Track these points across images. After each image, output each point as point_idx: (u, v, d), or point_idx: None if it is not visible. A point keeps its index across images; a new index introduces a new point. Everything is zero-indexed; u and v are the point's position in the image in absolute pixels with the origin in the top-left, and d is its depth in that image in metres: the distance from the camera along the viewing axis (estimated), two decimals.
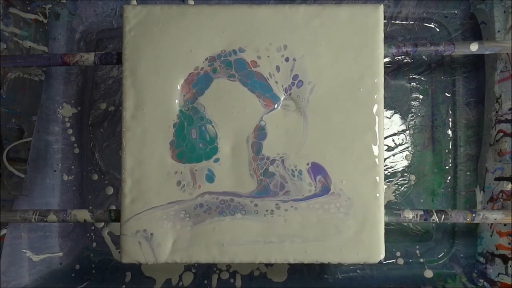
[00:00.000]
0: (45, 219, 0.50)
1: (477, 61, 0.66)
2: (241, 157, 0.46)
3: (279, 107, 0.46)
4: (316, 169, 0.46)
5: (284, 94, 0.46)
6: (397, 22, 0.68)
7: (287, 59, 0.46)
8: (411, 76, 0.69)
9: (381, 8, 0.46)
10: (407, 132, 0.68)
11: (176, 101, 0.46)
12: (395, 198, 0.68)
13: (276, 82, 0.46)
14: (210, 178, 0.46)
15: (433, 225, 0.67)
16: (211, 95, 0.46)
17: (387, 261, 0.66)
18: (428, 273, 0.65)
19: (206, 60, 0.46)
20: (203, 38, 0.46)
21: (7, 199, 0.59)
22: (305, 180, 0.46)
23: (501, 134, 0.59)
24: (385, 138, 0.68)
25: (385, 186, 0.68)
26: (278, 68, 0.46)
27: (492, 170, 0.61)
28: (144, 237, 0.46)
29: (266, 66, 0.46)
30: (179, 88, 0.46)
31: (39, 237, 0.64)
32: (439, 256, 0.67)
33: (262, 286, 0.65)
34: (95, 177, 0.70)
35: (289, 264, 0.66)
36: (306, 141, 0.46)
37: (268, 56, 0.46)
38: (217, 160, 0.46)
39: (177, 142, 0.46)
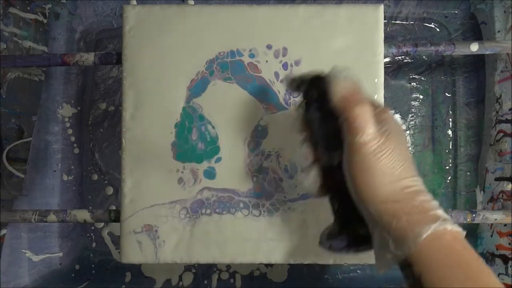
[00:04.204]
0: (45, 219, 0.50)
1: (477, 61, 0.66)
2: (239, 156, 0.46)
3: (280, 112, 0.46)
4: None
5: (287, 105, 0.46)
6: (397, 22, 0.68)
7: (285, 65, 0.46)
8: (411, 76, 0.69)
9: (381, 8, 0.46)
10: (407, 132, 0.68)
11: (178, 101, 0.46)
12: None
13: (278, 91, 0.46)
14: (211, 175, 0.46)
15: None
16: (209, 97, 0.46)
17: None
18: None
19: (206, 63, 0.46)
20: (203, 39, 0.46)
21: (7, 199, 0.59)
22: (298, 176, 0.46)
23: (501, 134, 0.59)
24: None
25: None
26: (277, 75, 0.46)
27: (492, 170, 0.61)
28: (147, 234, 0.46)
29: (266, 71, 0.46)
30: (185, 89, 0.46)
31: (39, 237, 0.63)
32: None
33: (262, 286, 0.65)
34: (95, 177, 0.70)
35: (289, 264, 0.66)
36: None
37: (267, 61, 0.46)
38: (218, 160, 0.46)
39: (178, 142, 0.46)
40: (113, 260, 0.68)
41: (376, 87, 0.46)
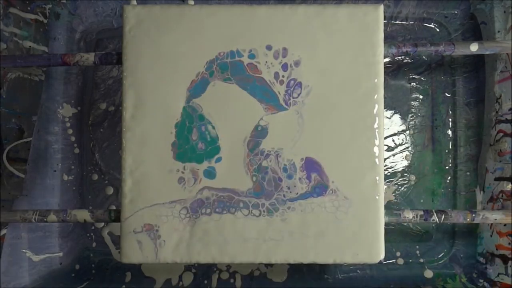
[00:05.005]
0: (45, 219, 0.50)
1: (477, 61, 0.66)
2: (239, 155, 0.46)
3: (280, 112, 0.46)
4: (311, 167, 0.46)
5: (286, 105, 0.46)
6: (397, 22, 0.68)
7: (285, 66, 0.46)
8: (411, 76, 0.69)
9: (381, 8, 0.46)
10: (407, 132, 0.68)
11: (178, 100, 0.46)
12: (395, 198, 0.68)
13: (279, 92, 0.46)
14: (211, 175, 0.46)
15: (433, 225, 0.67)
16: (209, 97, 0.46)
17: (387, 261, 0.66)
18: (428, 273, 0.65)
19: (206, 63, 0.46)
20: (203, 39, 0.46)
21: (7, 199, 0.59)
22: (297, 176, 0.46)
23: (501, 134, 0.59)
24: (385, 138, 0.68)
25: (385, 186, 0.68)
26: (277, 75, 0.46)
27: (492, 170, 0.61)
28: (147, 234, 0.46)
29: (265, 72, 0.46)
30: (185, 90, 0.46)
31: (39, 237, 0.64)
32: (439, 256, 0.67)
33: (262, 286, 0.65)
34: (95, 177, 0.70)
35: (289, 264, 0.66)
36: (303, 139, 0.46)
37: (266, 62, 0.46)
38: (218, 160, 0.46)
39: (178, 142, 0.46)
40: (113, 260, 0.68)
41: (376, 87, 0.46)
